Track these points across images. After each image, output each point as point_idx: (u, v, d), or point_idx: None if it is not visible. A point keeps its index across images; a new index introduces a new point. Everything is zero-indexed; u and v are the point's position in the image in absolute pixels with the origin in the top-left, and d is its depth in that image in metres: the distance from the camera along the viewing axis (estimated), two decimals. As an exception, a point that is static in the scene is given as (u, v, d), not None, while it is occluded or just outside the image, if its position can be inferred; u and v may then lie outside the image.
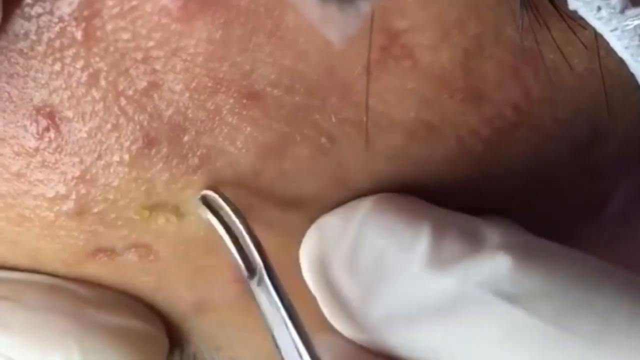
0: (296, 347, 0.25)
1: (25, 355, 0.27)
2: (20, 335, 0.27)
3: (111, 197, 0.26)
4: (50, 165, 0.26)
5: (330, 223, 0.27)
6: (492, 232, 0.26)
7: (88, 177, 0.26)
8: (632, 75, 0.27)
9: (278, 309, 0.26)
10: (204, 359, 0.30)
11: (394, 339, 0.25)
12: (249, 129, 0.25)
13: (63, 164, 0.26)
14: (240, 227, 0.26)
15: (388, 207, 0.26)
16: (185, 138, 0.26)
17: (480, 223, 0.26)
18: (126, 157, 0.26)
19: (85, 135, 0.26)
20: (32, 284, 0.28)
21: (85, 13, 0.25)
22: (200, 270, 0.28)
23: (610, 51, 0.26)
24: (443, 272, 0.25)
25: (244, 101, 0.25)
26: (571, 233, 0.30)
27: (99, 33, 0.25)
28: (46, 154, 0.26)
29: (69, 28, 0.25)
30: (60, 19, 0.25)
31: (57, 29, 0.25)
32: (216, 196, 0.26)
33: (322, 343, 0.26)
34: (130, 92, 0.25)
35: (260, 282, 0.26)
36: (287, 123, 0.25)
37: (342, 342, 0.26)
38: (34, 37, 0.25)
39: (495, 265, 0.25)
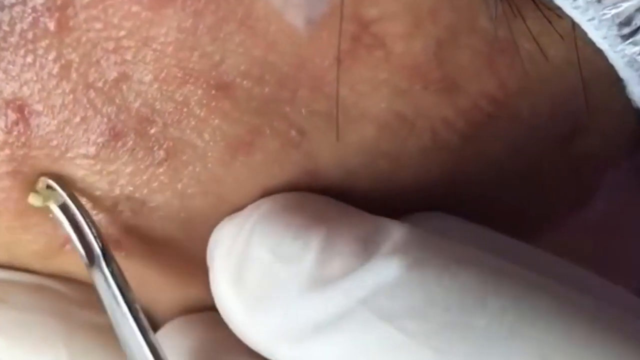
0: (136, 340, 0.26)
1: (12, 356, 0.27)
2: (8, 336, 0.27)
3: (76, 188, 0.26)
4: (18, 159, 0.26)
5: (225, 230, 0.26)
6: (389, 238, 0.25)
7: (54, 168, 0.26)
8: (612, 67, 0.27)
9: (117, 301, 0.26)
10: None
11: (281, 358, 0.25)
12: (217, 121, 0.25)
13: (31, 157, 0.26)
14: (77, 212, 0.26)
15: (280, 215, 0.25)
16: (152, 130, 0.25)
17: (382, 226, 0.25)
18: (92, 149, 0.26)
19: (54, 128, 0.26)
20: (18, 283, 0.28)
21: (59, 2, 0.24)
22: (175, 268, 0.28)
23: (589, 41, 0.26)
24: (327, 290, 0.24)
25: (213, 92, 0.25)
26: (554, 226, 0.29)
27: (71, 23, 0.25)
28: (14, 148, 0.26)
29: (42, 19, 0.25)
30: (34, 10, 0.25)
31: (30, 19, 0.25)
32: (53, 184, 0.26)
33: (170, 334, 0.26)
34: (100, 84, 0.25)
35: (98, 269, 0.26)
36: (256, 115, 0.25)
37: (195, 334, 0.27)
38: (6, 28, 0.25)
39: (379, 279, 0.24)
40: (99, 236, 0.26)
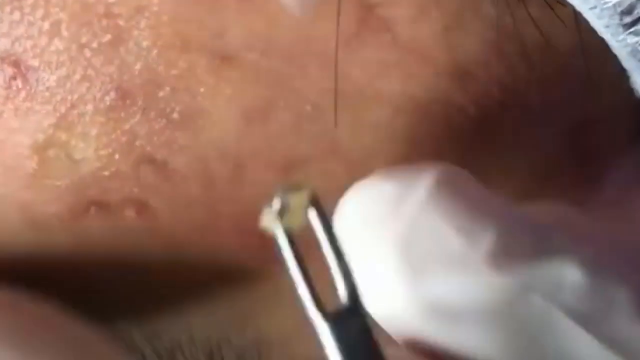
0: None
1: None
2: None
3: (93, 145, 0.26)
4: (24, 112, 0.26)
5: (384, 187, 0.24)
6: (562, 239, 0.24)
7: (64, 124, 0.26)
8: (615, 56, 0.28)
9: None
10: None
11: (436, 331, 0.24)
12: (228, 90, 0.25)
13: (37, 112, 0.26)
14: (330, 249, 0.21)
15: (453, 190, 0.24)
16: (161, 94, 0.25)
17: (549, 226, 0.25)
18: (101, 106, 0.25)
19: (54, 84, 0.26)
20: None
21: None
22: (203, 229, 0.27)
23: (593, 30, 0.27)
24: (507, 271, 0.23)
25: (217, 62, 0.25)
26: None
27: None
28: (17, 102, 0.26)
29: None
30: None
31: None
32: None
33: None
34: (95, 45, 0.25)
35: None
36: (267, 87, 0.25)
37: None
38: None
39: (566, 275, 0.24)
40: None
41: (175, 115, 0.26)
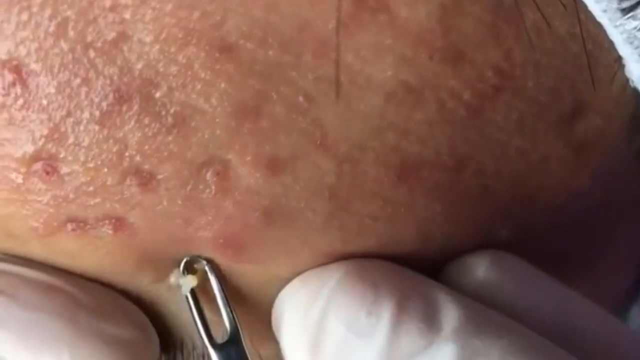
0: None
1: (16, 354, 0.27)
2: (13, 333, 0.27)
3: (82, 158, 0.26)
4: (17, 122, 0.26)
5: (299, 295, 0.27)
6: (449, 320, 0.26)
7: (57, 135, 0.26)
8: (612, 43, 0.28)
9: None
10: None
11: None
12: (222, 85, 0.25)
13: (31, 122, 0.26)
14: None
15: (355, 286, 0.27)
16: (157, 94, 0.25)
17: (440, 301, 0.27)
18: (97, 113, 0.25)
19: (53, 90, 0.25)
20: (29, 280, 0.27)
21: None
22: (180, 243, 0.27)
23: (591, 15, 0.26)
24: None
25: (217, 55, 0.25)
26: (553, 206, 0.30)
27: None
28: (13, 110, 0.25)
29: None
30: None
31: None
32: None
33: None
34: (99, 44, 0.25)
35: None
36: (261, 79, 0.25)
37: None
38: None
39: None
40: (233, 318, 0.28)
41: (169, 119, 0.25)
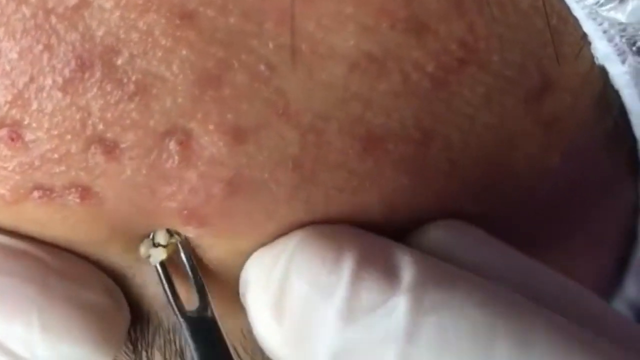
0: None
1: None
2: None
3: (46, 125, 0.26)
4: None
5: (261, 260, 0.27)
6: (407, 273, 0.26)
7: (20, 102, 0.26)
8: (576, 19, 0.28)
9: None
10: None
11: None
12: (184, 52, 0.25)
13: None
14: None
15: (314, 246, 0.27)
16: (119, 61, 0.25)
17: (399, 257, 0.27)
18: (59, 80, 0.26)
19: (16, 55, 0.26)
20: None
21: None
22: (146, 212, 0.27)
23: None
24: (357, 324, 0.26)
25: (177, 22, 0.25)
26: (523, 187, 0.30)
27: None
28: None
29: None
30: None
31: None
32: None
33: None
34: (61, 10, 0.25)
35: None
36: (223, 47, 0.25)
37: None
38: None
39: (400, 318, 0.26)
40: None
41: (131, 87, 0.26)
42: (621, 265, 0.36)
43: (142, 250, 0.28)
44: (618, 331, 0.27)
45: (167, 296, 0.28)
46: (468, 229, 0.28)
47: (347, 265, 0.26)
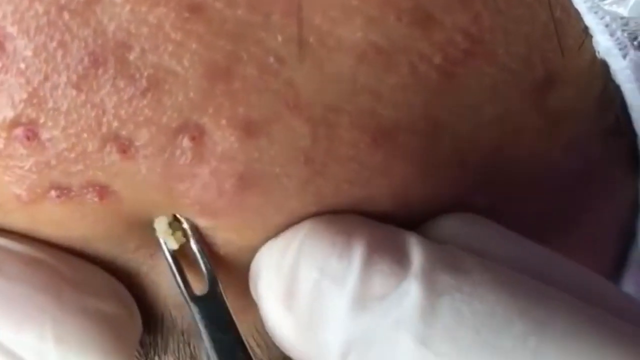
0: None
1: None
2: None
3: (61, 123, 0.26)
4: None
5: (271, 249, 0.27)
6: (417, 254, 0.26)
7: (36, 100, 0.26)
8: (579, 13, 0.28)
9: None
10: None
11: None
12: (194, 45, 0.25)
13: (10, 85, 0.26)
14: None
15: (324, 233, 0.27)
16: (131, 56, 0.25)
17: (410, 243, 0.27)
18: (73, 77, 0.26)
19: (30, 53, 0.25)
20: (13, 253, 0.27)
21: None
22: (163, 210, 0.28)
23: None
24: (369, 310, 0.26)
25: (186, 14, 0.25)
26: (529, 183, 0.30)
27: None
28: None
29: None
30: None
31: None
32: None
33: None
34: (73, 6, 0.25)
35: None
36: (232, 40, 0.25)
37: None
38: None
39: (413, 301, 0.26)
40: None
41: (143, 82, 0.26)
42: (620, 263, 0.37)
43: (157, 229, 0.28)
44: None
45: (176, 280, 0.28)
46: (480, 221, 0.28)
47: (358, 249, 0.26)
